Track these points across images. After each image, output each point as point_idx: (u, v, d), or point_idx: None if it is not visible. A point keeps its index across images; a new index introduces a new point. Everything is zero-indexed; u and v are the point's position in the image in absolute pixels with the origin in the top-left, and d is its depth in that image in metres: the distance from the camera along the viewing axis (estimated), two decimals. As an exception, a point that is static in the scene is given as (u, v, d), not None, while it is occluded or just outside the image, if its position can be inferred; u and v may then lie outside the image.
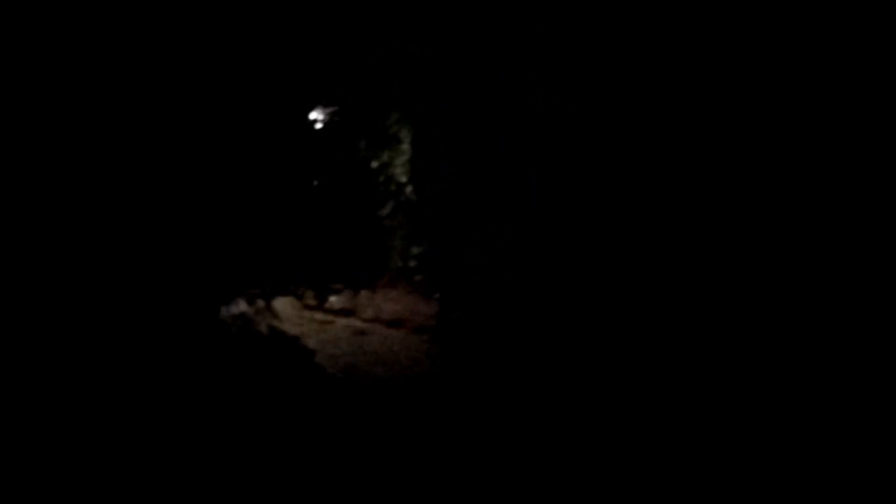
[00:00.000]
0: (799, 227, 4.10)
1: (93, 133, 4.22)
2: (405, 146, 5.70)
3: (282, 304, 5.51)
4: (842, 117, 3.98)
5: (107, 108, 4.25)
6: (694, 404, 3.97)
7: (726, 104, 4.26)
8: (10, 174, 3.95)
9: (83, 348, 3.96)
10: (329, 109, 5.57)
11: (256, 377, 4.29)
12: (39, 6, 3.95)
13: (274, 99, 5.03)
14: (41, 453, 3.31)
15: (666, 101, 4.45)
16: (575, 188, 4.77)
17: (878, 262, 3.87)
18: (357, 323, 5.59)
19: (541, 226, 4.93)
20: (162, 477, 3.27)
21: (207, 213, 4.74)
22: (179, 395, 3.90)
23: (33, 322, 3.88)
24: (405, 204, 5.79)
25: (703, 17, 4.29)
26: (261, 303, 5.26)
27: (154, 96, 4.38)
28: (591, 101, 4.69)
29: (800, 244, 4.09)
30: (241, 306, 5.15)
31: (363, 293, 5.80)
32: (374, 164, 5.78)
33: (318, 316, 5.64)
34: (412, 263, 5.81)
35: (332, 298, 5.78)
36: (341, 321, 5.61)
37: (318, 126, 5.58)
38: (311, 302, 5.75)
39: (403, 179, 5.76)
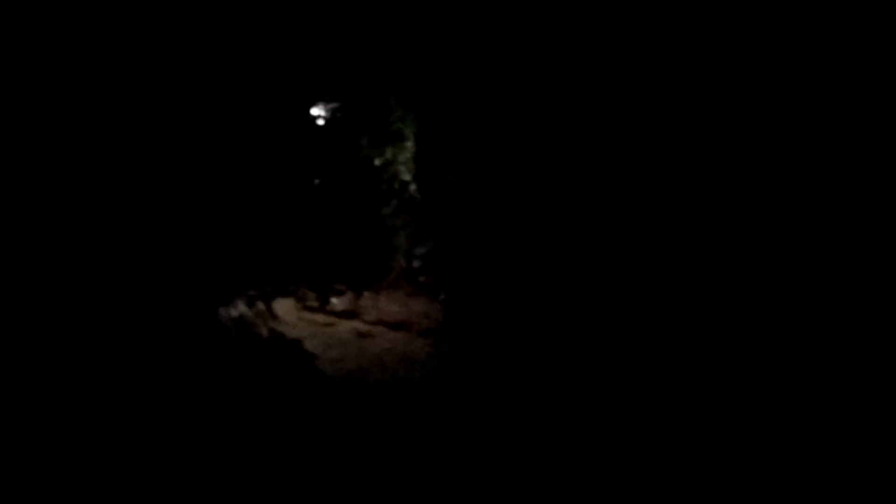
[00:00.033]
0: (799, 228, 4.18)
1: (89, 129, 4.22)
2: (409, 143, 5.67)
3: (282, 306, 5.46)
4: (842, 117, 4.06)
5: (102, 102, 4.26)
6: (695, 403, 4.01)
7: (726, 104, 4.34)
8: (8, 174, 3.97)
9: (77, 351, 3.94)
10: (330, 105, 5.53)
11: (256, 381, 4.26)
12: (39, 6, 3.97)
13: (273, 96, 5.02)
14: (40, 455, 3.33)
15: (666, 101, 4.52)
16: (575, 188, 4.84)
17: (877, 262, 3.97)
18: (360, 325, 5.56)
19: (541, 226, 4.98)
20: (160, 484, 3.28)
21: (205, 212, 4.71)
22: (177, 400, 3.89)
23: (31, 324, 3.88)
24: (409, 202, 5.77)
25: (702, 17, 4.37)
26: (260, 305, 5.20)
27: (152, 94, 4.40)
28: (590, 102, 4.76)
29: (800, 244, 4.17)
30: (241, 308, 5.09)
31: (366, 295, 5.78)
32: (377, 162, 5.74)
33: (320, 318, 5.61)
34: (416, 264, 5.81)
35: (334, 300, 5.74)
36: (343, 323, 5.57)
37: (319, 123, 5.55)
38: (313, 304, 5.70)
39: (407, 177, 5.74)
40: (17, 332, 3.82)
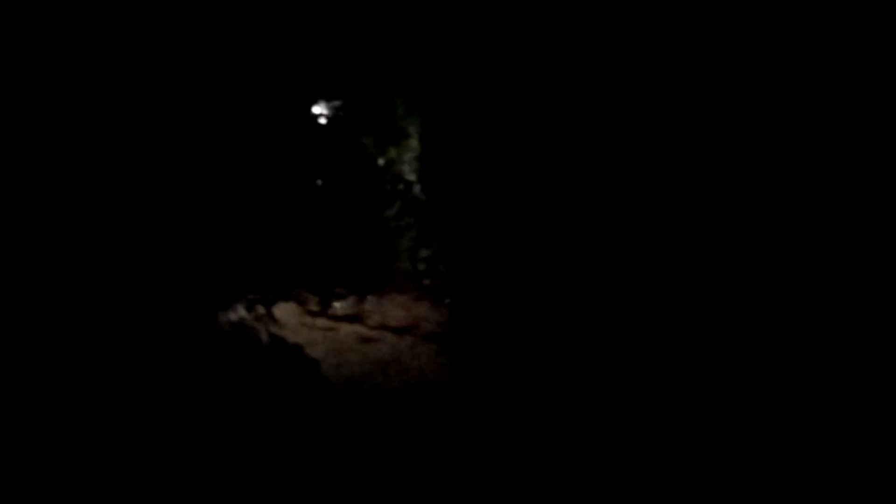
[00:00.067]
0: (798, 228, 4.20)
1: (82, 128, 4.20)
2: (413, 142, 5.64)
3: (283, 310, 5.41)
4: (842, 117, 4.09)
5: (98, 100, 4.26)
6: (696, 403, 4.06)
7: (726, 104, 4.36)
8: (6, 176, 3.99)
9: (73, 356, 3.91)
10: (332, 103, 5.51)
11: (256, 388, 4.21)
12: (39, 6, 3.99)
13: (273, 93, 5.01)
14: (36, 461, 3.34)
15: (666, 101, 4.55)
16: (575, 188, 4.86)
17: (877, 262, 4.00)
18: (362, 330, 5.51)
19: (541, 226, 5.00)
20: (156, 493, 3.30)
21: (204, 213, 4.69)
22: (175, 407, 3.86)
23: (28, 329, 3.87)
24: (413, 203, 5.73)
25: (702, 17, 4.38)
26: (260, 309, 5.17)
27: (150, 93, 4.40)
28: (591, 102, 4.78)
29: (799, 244, 4.19)
30: (240, 312, 5.04)
31: (369, 298, 5.74)
32: (381, 161, 5.71)
33: (322, 322, 5.55)
34: (421, 267, 5.78)
35: (337, 304, 5.69)
36: (346, 328, 5.52)
37: (321, 121, 5.54)
38: (314, 308, 5.64)
39: (412, 177, 5.70)
40: (15, 335, 3.82)
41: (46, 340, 3.87)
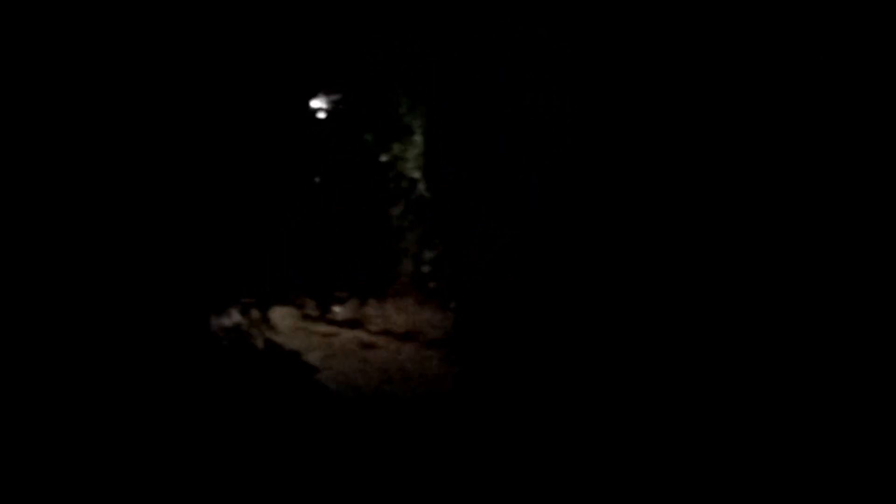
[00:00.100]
0: (798, 228, 4.22)
1: (81, 128, 4.17)
2: (417, 138, 5.58)
3: (279, 315, 5.38)
4: (842, 117, 4.11)
5: (95, 98, 4.22)
6: (697, 403, 4.06)
7: (726, 104, 4.39)
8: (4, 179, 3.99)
9: (64, 360, 3.87)
10: (332, 97, 5.49)
11: (251, 396, 4.11)
12: (39, 6, 4.00)
13: (271, 89, 4.97)
14: (34, 463, 3.31)
15: (665, 101, 4.58)
16: (575, 188, 4.91)
17: (877, 262, 4.02)
18: (364, 335, 5.49)
19: (541, 226, 5.04)
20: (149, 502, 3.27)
21: (197, 212, 4.62)
22: (168, 416, 3.77)
23: (24, 332, 3.85)
24: (417, 202, 5.68)
25: (702, 17, 4.42)
26: (256, 313, 5.12)
27: (148, 91, 4.38)
28: (590, 102, 4.83)
29: (799, 244, 4.21)
30: (234, 317, 5.01)
31: (371, 302, 5.71)
32: (383, 158, 5.67)
33: (320, 328, 5.53)
34: (425, 269, 5.73)
35: (336, 308, 5.66)
36: (346, 333, 5.50)
37: (320, 116, 5.51)
38: (313, 312, 5.62)
39: (416, 175, 5.64)
40: (12, 337, 3.78)
41: (43, 343, 3.84)
